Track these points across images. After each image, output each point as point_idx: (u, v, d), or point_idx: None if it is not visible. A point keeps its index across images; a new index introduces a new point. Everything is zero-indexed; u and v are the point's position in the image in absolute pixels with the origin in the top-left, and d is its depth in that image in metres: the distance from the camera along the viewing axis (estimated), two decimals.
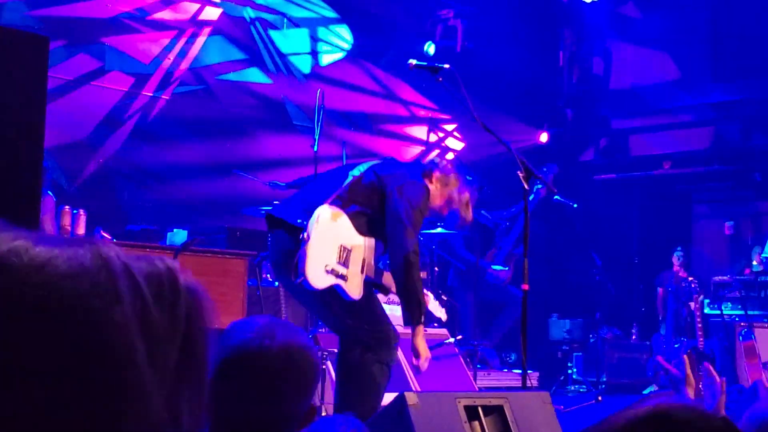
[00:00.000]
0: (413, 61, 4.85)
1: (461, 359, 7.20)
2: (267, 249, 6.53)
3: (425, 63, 4.90)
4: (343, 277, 4.55)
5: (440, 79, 4.77)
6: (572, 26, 11.85)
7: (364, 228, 4.66)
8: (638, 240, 11.10)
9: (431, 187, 4.83)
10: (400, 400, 3.96)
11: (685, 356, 3.49)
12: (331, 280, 4.50)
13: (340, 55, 10.59)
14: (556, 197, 8.51)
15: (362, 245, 4.66)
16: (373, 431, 4.10)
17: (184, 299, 0.81)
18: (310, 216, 4.51)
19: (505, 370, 8.45)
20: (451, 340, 7.22)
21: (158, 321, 0.79)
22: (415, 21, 10.83)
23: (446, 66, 4.78)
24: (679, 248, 9.64)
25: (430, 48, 10.34)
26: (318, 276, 4.45)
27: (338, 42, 10.60)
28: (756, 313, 9.25)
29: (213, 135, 9.46)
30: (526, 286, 4.79)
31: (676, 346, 8.84)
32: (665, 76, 11.33)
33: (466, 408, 4.05)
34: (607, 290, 9.59)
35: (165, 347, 0.79)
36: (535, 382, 7.76)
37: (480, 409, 4.09)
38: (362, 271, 4.64)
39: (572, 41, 11.98)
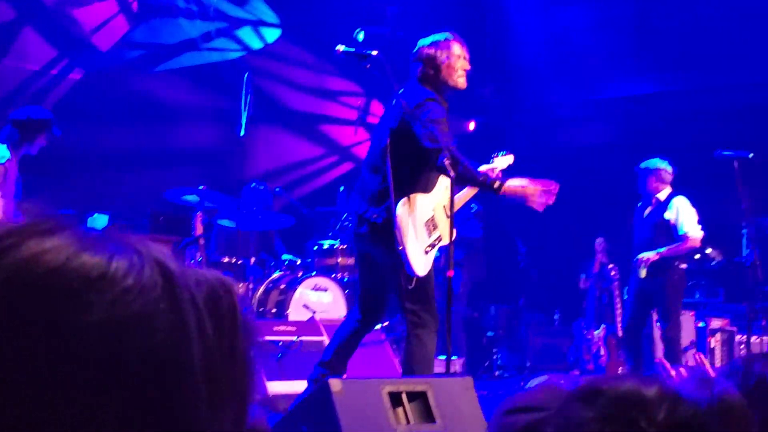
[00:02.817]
0: (341, 47, 4.83)
1: (388, 345, 7.22)
2: (190, 234, 6.47)
3: (353, 49, 4.87)
4: (439, 239, 5.01)
5: (368, 65, 4.76)
6: (499, 16, 11.92)
7: (424, 183, 4.96)
8: (562, 227, 11.25)
9: (442, 72, 4.99)
10: (324, 387, 3.96)
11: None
12: (431, 255, 4.98)
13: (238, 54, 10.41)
14: None
15: (436, 201, 5.02)
16: (298, 418, 4.11)
17: (241, 334, 0.72)
18: (368, 202, 4.92)
19: None
20: (378, 326, 7.22)
21: (218, 359, 0.69)
22: (346, 9, 10.79)
23: (374, 53, 4.77)
24: (600, 236, 9.80)
25: (360, 35, 10.16)
26: (422, 264, 4.90)
27: (248, 41, 10.47)
28: None
29: (135, 118, 9.30)
30: (451, 273, 4.83)
31: (596, 332, 9.02)
32: (591, 67, 11.49)
33: (391, 394, 4.07)
34: (531, 276, 9.72)
35: (221, 387, 0.69)
36: (459, 368, 7.83)
37: (404, 395, 4.12)
38: (447, 216, 4.95)
39: (499, 31, 12.06)
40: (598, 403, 1.13)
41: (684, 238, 7.84)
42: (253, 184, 8.23)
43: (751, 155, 7.66)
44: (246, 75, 7.07)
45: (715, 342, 9.12)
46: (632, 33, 11.23)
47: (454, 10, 11.32)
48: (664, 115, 11.12)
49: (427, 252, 4.96)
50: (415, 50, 5.15)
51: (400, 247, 4.81)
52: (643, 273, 7.79)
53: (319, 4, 10.73)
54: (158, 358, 0.65)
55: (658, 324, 8.10)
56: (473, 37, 11.92)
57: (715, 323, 8.99)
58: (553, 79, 11.59)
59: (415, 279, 4.85)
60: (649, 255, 7.79)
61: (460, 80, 5.08)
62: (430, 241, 4.98)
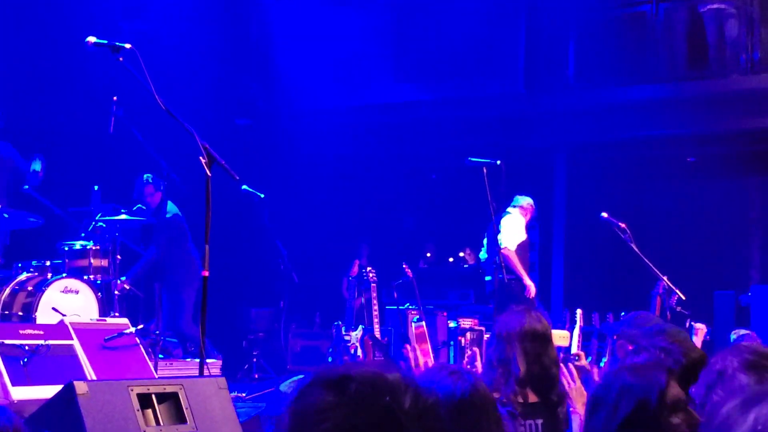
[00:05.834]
0: (92, 39, 4.68)
1: (141, 349, 7.04)
2: None
3: (105, 41, 4.74)
4: None
5: (121, 59, 4.64)
6: (263, 17, 11.91)
7: None
8: (324, 231, 11.40)
9: None
10: (68, 390, 3.82)
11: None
12: None
13: None
14: (243, 187, 8.57)
15: None
16: (40, 422, 3.92)
17: None
18: None
19: (189, 360, 8.36)
20: (132, 329, 7.03)
21: None
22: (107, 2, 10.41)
23: (128, 46, 4.65)
24: (361, 241, 10.08)
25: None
26: None
27: None
28: (426, 301, 9.92)
29: None
30: (205, 273, 4.80)
31: (353, 333, 9.22)
32: (350, 75, 11.70)
33: (140, 396, 3.98)
34: (292, 279, 9.79)
35: None
36: (217, 371, 7.75)
37: (154, 396, 4.04)
38: None
39: (265, 33, 12.04)
40: (348, 389, 1.13)
41: None
42: None
43: (498, 162, 8.17)
44: None
45: (465, 341, 9.59)
46: (391, 42, 11.58)
47: (216, 9, 11.23)
48: (420, 123, 11.53)
49: None
50: None
51: None
52: None
53: None
54: None
55: (412, 325, 8.47)
56: (237, 38, 11.91)
57: (465, 323, 9.45)
58: (313, 85, 11.71)
59: None
60: None
61: None
62: None
